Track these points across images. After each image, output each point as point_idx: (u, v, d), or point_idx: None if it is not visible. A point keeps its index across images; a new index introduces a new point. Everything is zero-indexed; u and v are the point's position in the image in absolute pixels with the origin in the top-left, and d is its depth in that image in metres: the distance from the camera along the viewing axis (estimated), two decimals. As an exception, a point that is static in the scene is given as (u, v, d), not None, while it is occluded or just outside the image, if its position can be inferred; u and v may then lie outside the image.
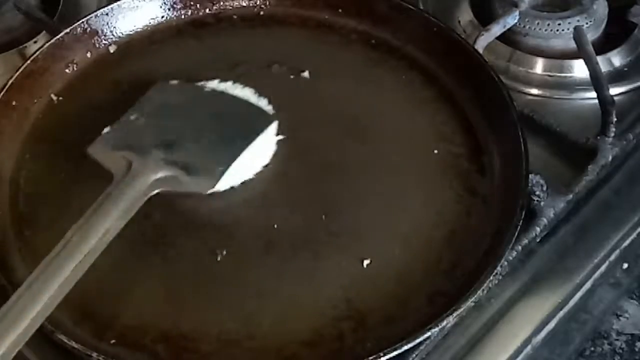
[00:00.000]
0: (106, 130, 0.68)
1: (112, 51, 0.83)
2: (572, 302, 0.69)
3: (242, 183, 0.70)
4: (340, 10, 0.86)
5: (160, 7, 0.86)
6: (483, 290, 0.64)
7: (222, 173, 0.66)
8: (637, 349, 0.77)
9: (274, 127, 0.72)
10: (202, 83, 0.74)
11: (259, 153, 0.71)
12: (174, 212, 0.69)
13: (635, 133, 0.78)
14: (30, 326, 0.54)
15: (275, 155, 0.73)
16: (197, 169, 0.65)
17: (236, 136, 0.68)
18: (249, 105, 0.72)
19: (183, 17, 0.87)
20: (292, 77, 0.80)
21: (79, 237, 0.59)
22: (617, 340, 0.77)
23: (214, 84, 0.74)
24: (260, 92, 0.77)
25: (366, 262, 0.66)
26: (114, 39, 0.84)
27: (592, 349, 0.76)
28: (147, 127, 0.68)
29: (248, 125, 0.70)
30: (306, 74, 0.80)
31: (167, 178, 0.64)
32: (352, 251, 0.67)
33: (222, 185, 0.68)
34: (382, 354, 0.58)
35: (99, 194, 0.71)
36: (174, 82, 0.72)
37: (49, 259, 0.58)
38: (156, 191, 0.63)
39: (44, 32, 0.88)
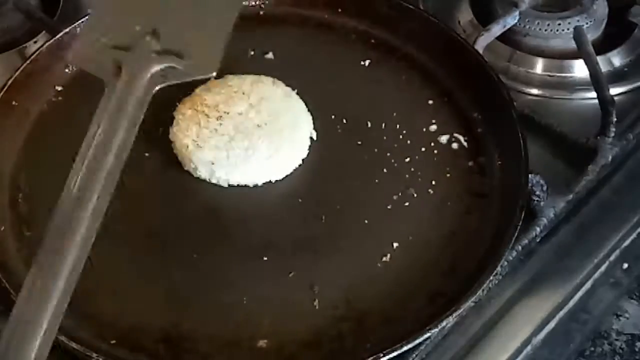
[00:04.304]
0: (81, 30, 0.61)
1: (112, 51, 0.83)
2: (572, 302, 0.69)
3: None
4: (340, 10, 0.86)
5: (160, 7, 0.86)
6: (483, 290, 0.64)
7: (221, 52, 0.59)
8: (637, 349, 0.77)
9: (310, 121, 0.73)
10: None
11: (296, 146, 0.72)
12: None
13: (635, 133, 0.78)
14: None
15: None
16: (192, 53, 0.58)
17: (217, 13, 0.62)
18: None
19: (183, 16, 0.87)
20: (291, 76, 0.80)
21: (93, 154, 0.52)
22: (617, 340, 0.77)
23: None
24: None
25: (366, 262, 0.67)
26: (113, 39, 0.84)
27: (592, 349, 0.76)
28: (123, 18, 0.59)
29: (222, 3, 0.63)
30: (305, 73, 0.80)
31: (164, 70, 0.57)
32: (351, 251, 0.67)
33: (262, 178, 0.70)
34: (382, 354, 0.58)
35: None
36: None
37: (70, 183, 0.52)
38: (157, 87, 0.56)
39: (44, 32, 0.88)
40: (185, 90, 0.75)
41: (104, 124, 0.53)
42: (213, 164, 0.70)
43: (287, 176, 0.72)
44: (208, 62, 0.58)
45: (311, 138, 0.74)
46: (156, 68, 0.57)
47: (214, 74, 0.59)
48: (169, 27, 0.59)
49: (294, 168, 0.72)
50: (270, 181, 0.71)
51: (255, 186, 0.71)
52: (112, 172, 0.52)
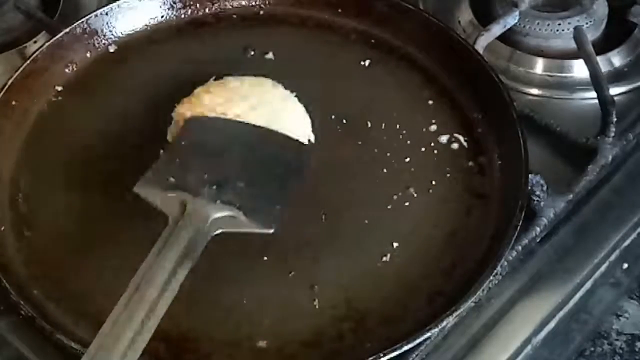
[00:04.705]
0: (151, 169, 0.65)
1: (111, 51, 0.83)
2: (572, 302, 0.69)
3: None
4: (340, 10, 0.86)
5: (160, 6, 0.86)
6: (483, 290, 0.64)
7: (279, 212, 0.63)
8: (637, 349, 0.77)
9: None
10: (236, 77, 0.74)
11: None
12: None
13: (635, 133, 0.78)
14: None
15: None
16: (253, 209, 0.62)
17: (282, 171, 0.67)
18: (284, 138, 0.70)
19: (183, 16, 0.87)
20: (290, 76, 0.80)
21: (143, 286, 0.55)
22: (617, 340, 0.77)
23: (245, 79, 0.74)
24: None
25: (366, 262, 0.67)
26: (113, 39, 0.84)
27: (592, 349, 0.77)
28: (192, 165, 0.65)
29: (289, 159, 0.68)
30: (305, 73, 0.80)
31: (225, 218, 0.61)
32: (351, 251, 0.67)
33: None
34: (382, 354, 0.58)
35: (99, 194, 0.71)
36: (207, 116, 0.70)
37: (114, 315, 0.54)
38: (217, 232, 0.61)
39: (44, 32, 0.88)
40: (184, 91, 0.75)
41: (161, 255, 0.58)
42: None
43: None
44: (266, 218, 0.62)
45: (309, 141, 0.73)
46: (218, 215, 0.61)
47: (272, 230, 0.62)
48: (235, 181, 0.64)
49: None
50: None
51: None
52: (154, 304, 0.55)
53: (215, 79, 0.75)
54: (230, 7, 0.88)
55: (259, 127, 0.69)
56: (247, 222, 0.61)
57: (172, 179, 0.63)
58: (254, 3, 0.88)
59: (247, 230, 0.62)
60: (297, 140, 0.70)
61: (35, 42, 0.88)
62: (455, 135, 0.75)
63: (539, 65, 0.86)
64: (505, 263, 0.67)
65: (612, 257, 0.72)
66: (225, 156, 0.66)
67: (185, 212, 0.60)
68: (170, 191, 0.62)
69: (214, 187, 0.62)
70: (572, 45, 0.83)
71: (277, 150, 0.68)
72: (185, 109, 0.72)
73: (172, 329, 0.62)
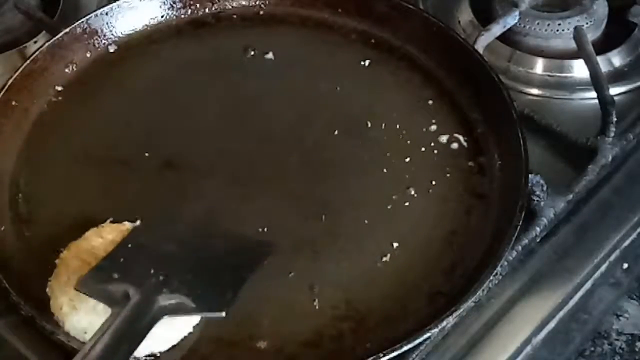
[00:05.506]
0: (93, 268, 0.60)
1: (111, 51, 0.83)
2: (572, 302, 0.69)
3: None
4: (340, 10, 0.86)
5: (160, 6, 0.86)
6: (483, 290, 0.64)
7: (233, 298, 0.60)
8: (637, 349, 0.77)
9: None
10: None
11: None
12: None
13: (635, 133, 0.78)
14: None
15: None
16: (202, 295, 0.59)
17: (237, 264, 0.64)
18: (242, 237, 0.67)
19: (183, 16, 0.87)
20: (290, 76, 0.80)
21: None
22: (617, 340, 0.77)
23: None
24: (259, 90, 0.78)
25: (366, 262, 0.67)
26: (113, 39, 0.84)
27: (592, 349, 0.76)
28: (137, 262, 0.61)
29: (247, 253, 0.66)
30: (305, 73, 0.80)
31: (171, 305, 0.58)
32: (351, 251, 0.67)
33: (147, 349, 0.60)
34: (382, 354, 0.58)
35: (99, 194, 0.71)
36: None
37: None
38: (163, 318, 0.57)
39: (44, 32, 0.88)
40: (184, 90, 0.75)
41: (102, 344, 0.54)
42: (86, 333, 0.59)
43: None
44: (217, 303, 0.59)
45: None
46: (163, 302, 0.58)
47: (224, 314, 0.58)
48: (182, 273, 0.61)
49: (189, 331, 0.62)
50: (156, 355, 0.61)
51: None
52: None
53: (113, 221, 0.67)
54: (230, 7, 0.88)
55: (212, 230, 0.67)
56: (196, 307, 0.58)
57: (115, 275, 0.59)
58: (254, 3, 0.88)
59: (196, 315, 0.60)
60: (255, 239, 0.67)
61: (35, 42, 0.88)
62: (455, 135, 0.75)
63: (539, 65, 0.86)
64: (505, 263, 0.67)
65: (612, 257, 0.72)
66: (173, 253, 0.63)
67: (128, 301, 0.57)
68: (113, 284, 0.58)
69: (160, 277, 0.59)
70: (572, 45, 0.83)
71: (229, 244, 0.66)
72: (72, 256, 0.63)
73: (172, 329, 0.62)
